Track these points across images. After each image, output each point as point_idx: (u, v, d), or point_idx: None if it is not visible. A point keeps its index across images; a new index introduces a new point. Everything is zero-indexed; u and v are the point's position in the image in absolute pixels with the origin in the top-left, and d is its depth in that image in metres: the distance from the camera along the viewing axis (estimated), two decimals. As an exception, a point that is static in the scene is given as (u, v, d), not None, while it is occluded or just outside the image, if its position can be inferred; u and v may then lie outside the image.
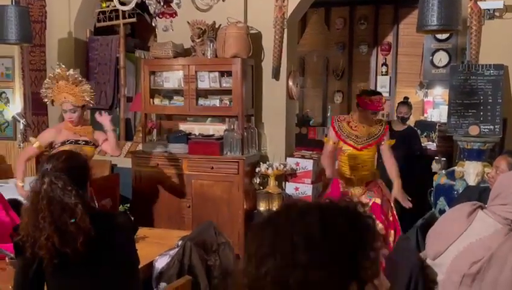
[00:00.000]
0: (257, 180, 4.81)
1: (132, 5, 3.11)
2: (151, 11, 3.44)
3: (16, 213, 2.95)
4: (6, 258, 2.56)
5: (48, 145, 3.76)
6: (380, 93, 4.06)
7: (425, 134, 6.88)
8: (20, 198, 3.36)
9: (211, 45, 4.71)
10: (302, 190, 4.84)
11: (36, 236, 1.87)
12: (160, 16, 4.43)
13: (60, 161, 1.96)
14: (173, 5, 3.74)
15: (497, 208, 2.15)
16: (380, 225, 3.71)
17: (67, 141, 3.71)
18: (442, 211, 3.95)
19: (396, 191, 3.83)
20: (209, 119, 5.24)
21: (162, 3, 3.41)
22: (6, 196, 3.17)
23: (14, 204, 3.11)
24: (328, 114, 8.34)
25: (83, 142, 3.77)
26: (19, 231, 1.94)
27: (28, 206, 1.94)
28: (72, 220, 1.87)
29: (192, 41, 4.80)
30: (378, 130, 3.98)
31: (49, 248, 1.85)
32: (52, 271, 1.90)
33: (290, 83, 5.04)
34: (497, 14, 4.36)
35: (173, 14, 4.54)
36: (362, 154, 3.98)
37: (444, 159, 5.24)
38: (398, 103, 5.86)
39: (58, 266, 1.88)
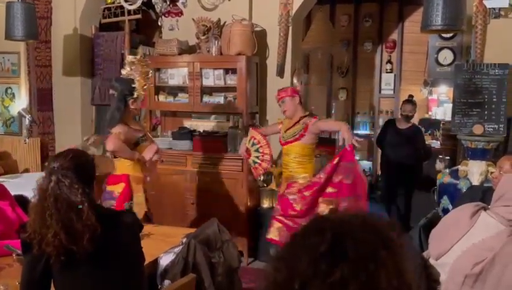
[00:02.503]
0: (261, 177, 4.82)
1: (138, 4, 3.12)
2: (157, 10, 3.46)
3: (22, 209, 2.97)
4: (13, 255, 2.58)
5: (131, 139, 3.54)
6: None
7: (429, 132, 6.87)
8: (26, 194, 3.38)
9: (216, 42, 4.73)
10: (305, 187, 4.85)
11: (43, 233, 1.89)
12: (166, 15, 4.44)
13: (67, 160, 1.98)
14: (179, 4, 3.75)
15: (500, 209, 2.16)
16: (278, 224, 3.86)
17: (143, 136, 3.60)
18: (445, 210, 3.96)
19: (343, 131, 3.68)
20: (214, 116, 5.26)
21: (168, 3, 3.42)
22: (13, 192, 3.19)
23: (20, 200, 3.13)
24: (333, 111, 8.33)
25: (144, 137, 3.64)
26: (26, 228, 1.96)
27: (36, 204, 1.96)
28: (79, 206, 1.89)
29: (197, 38, 4.82)
30: (299, 129, 3.91)
31: (56, 245, 1.87)
32: (59, 268, 1.93)
33: (295, 81, 5.05)
34: (502, 13, 4.36)
35: (179, 13, 4.56)
36: (285, 150, 3.97)
37: (448, 157, 5.25)
38: (403, 101, 5.85)
39: (65, 263, 1.91)
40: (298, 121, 3.92)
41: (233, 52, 4.66)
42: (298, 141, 3.88)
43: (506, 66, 4.18)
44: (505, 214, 2.14)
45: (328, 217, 0.95)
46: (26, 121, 5.67)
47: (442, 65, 6.93)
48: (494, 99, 4.19)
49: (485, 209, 2.25)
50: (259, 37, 4.82)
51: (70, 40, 5.72)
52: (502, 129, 4.15)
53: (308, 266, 0.87)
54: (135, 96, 3.52)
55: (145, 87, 3.58)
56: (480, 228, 2.17)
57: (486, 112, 4.19)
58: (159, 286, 2.67)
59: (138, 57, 3.68)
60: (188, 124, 5.20)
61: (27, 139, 5.61)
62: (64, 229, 1.88)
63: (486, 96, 4.20)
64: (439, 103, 7.72)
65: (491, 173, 3.70)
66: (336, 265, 0.85)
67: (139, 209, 3.64)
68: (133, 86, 3.52)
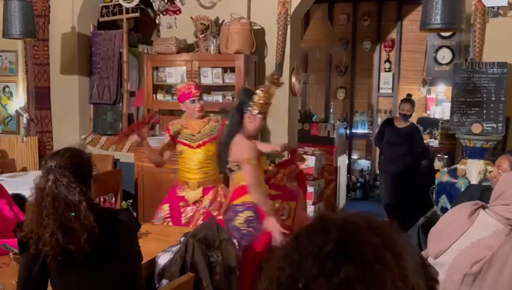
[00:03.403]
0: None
1: (136, 1, 3.11)
2: (155, 8, 3.44)
3: (19, 208, 2.96)
4: (10, 254, 2.58)
5: None
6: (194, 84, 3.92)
7: (427, 131, 6.87)
8: (24, 193, 3.37)
9: (214, 40, 4.71)
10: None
11: (40, 233, 1.88)
12: (164, 13, 4.43)
13: (64, 158, 1.97)
14: (177, 2, 3.73)
15: (499, 208, 2.16)
16: None
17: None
18: (444, 209, 3.96)
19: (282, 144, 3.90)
20: (212, 115, 5.24)
21: (166, 1, 3.40)
22: (10, 191, 3.18)
23: (18, 199, 3.12)
24: (331, 110, 8.33)
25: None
26: (23, 227, 1.95)
27: (33, 203, 1.95)
28: (73, 214, 1.87)
29: (196, 37, 4.81)
30: (214, 127, 3.77)
31: (53, 244, 1.86)
32: (56, 268, 1.91)
33: (293, 80, 5.04)
34: (501, 11, 4.35)
35: (177, 11, 4.55)
36: (197, 153, 3.72)
37: (447, 156, 5.25)
38: (401, 100, 5.85)
39: (62, 263, 1.89)
40: (209, 121, 3.79)
41: (231, 50, 4.65)
42: (216, 140, 3.66)
43: (505, 64, 4.18)
44: (503, 212, 2.14)
45: (331, 216, 0.94)
46: (24, 120, 5.66)
47: (440, 64, 6.92)
48: (493, 98, 4.18)
49: (483, 208, 2.25)
50: (257, 36, 4.81)
51: (68, 38, 5.71)
52: (500, 128, 4.15)
53: (312, 265, 0.86)
54: (248, 108, 3.28)
55: (260, 101, 3.26)
56: (479, 227, 2.17)
57: (484, 111, 4.19)
58: (157, 285, 2.66)
59: (271, 75, 3.49)
60: (186, 122, 5.18)
61: (25, 138, 5.60)
62: (61, 229, 1.87)
63: (484, 95, 4.20)
64: (438, 102, 7.72)
65: (490, 171, 3.70)
66: (341, 265, 0.84)
67: None
68: (251, 98, 3.28)
